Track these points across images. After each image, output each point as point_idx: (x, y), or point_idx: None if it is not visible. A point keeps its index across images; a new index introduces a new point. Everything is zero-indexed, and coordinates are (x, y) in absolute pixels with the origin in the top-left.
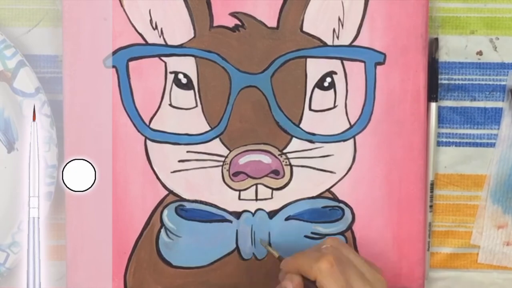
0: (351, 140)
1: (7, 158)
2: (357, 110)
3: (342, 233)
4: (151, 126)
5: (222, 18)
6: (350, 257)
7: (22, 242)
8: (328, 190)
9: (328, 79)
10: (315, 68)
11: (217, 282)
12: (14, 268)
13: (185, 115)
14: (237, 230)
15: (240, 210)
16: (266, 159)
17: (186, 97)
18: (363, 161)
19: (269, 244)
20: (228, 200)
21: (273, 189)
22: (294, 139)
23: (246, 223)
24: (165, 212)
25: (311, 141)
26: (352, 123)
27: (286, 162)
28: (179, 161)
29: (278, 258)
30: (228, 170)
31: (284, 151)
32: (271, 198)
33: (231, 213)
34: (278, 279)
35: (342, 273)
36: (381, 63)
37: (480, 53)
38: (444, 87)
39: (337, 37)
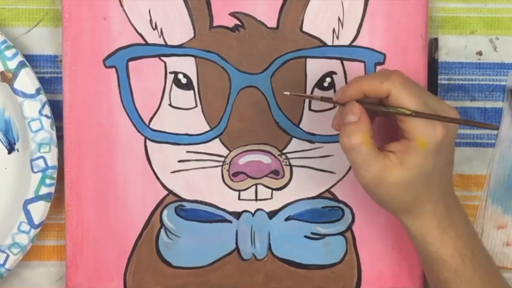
0: None
1: (8, 159)
2: None
3: (342, 233)
4: (151, 126)
5: (222, 18)
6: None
7: (22, 243)
8: (328, 190)
9: (328, 79)
10: (315, 68)
11: (217, 282)
12: (14, 269)
13: (185, 115)
14: (237, 230)
15: (240, 210)
16: (266, 159)
17: (186, 97)
18: None
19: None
20: (228, 200)
21: (273, 189)
22: (294, 139)
23: (246, 223)
24: (165, 212)
25: (311, 141)
26: None
27: (286, 162)
28: (179, 161)
29: (322, 99)
30: (228, 170)
31: (284, 151)
32: (271, 198)
33: (231, 213)
34: (277, 278)
35: (414, 84)
36: (381, 63)
37: (480, 53)
38: (444, 87)
39: (337, 37)
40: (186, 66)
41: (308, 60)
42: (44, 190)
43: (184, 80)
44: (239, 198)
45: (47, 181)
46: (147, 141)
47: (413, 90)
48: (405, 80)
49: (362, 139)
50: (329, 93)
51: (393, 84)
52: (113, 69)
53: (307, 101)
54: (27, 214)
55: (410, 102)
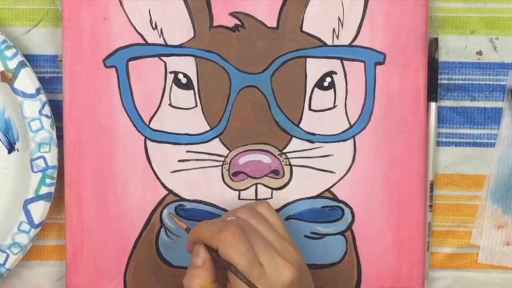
0: (351, 140)
1: (8, 159)
2: (357, 110)
3: (342, 233)
4: (151, 126)
5: (222, 18)
6: (258, 227)
7: (22, 243)
8: (328, 190)
9: (328, 79)
10: (315, 68)
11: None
12: (14, 269)
13: (185, 115)
14: None
15: None
16: (266, 159)
17: (186, 97)
18: (363, 161)
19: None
20: (228, 200)
21: (273, 189)
22: (294, 139)
23: None
24: (165, 212)
25: (311, 141)
26: (352, 123)
27: (286, 162)
28: (179, 161)
29: (186, 230)
30: (228, 170)
31: (284, 151)
32: (271, 198)
33: None
34: None
35: (244, 243)
36: (381, 63)
37: (480, 53)
38: (444, 87)
39: (337, 37)
40: (186, 66)
41: (308, 60)
42: (44, 190)
43: (184, 80)
44: (239, 198)
45: (47, 181)
46: (147, 141)
47: (240, 249)
48: (235, 238)
49: (202, 285)
50: (329, 93)
51: (220, 241)
52: (113, 69)
53: (307, 101)
54: (27, 214)
55: (236, 259)
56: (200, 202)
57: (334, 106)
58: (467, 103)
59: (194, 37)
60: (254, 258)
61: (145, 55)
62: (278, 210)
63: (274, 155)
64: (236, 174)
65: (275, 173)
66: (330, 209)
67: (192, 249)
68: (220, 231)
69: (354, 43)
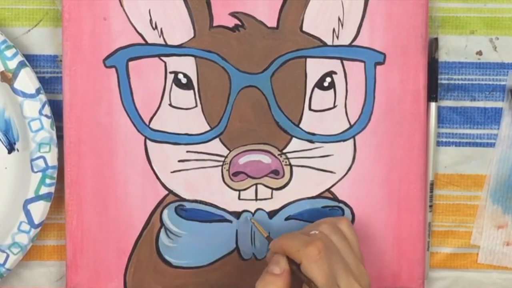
0: (351, 140)
1: (8, 159)
2: (357, 110)
3: None
4: (151, 126)
5: (222, 18)
6: (339, 245)
7: (22, 243)
8: (328, 190)
9: (328, 79)
10: (315, 68)
11: (217, 282)
12: (14, 269)
13: (185, 115)
14: (237, 230)
15: (240, 210)
16: (266, 159)
17: (186, 97)
18: (363, 161)
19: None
20: (228, 200)
21: (273, 189)
22: (294, 139)
23: (246, 223)
24: (165, 212)
25: (311, 141)
26: (352, 123)
27: (286, 162)
28: (179, 161)
29: (267, 238)
30: (228, 170)
31: (284, 151)
32: (271, 198)
33: (231, 213)
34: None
35: (327, 261)
36: (381, 63)
37: (480, 53)
38: (444, 87)
39: (337, 37)
40: (186, 66)
41: (308, 60)
42: (44, 190)
43: (184, 80)
44: (239, 198)
45: (47, 181)
46: (147, 141)
47: (323, 267)
48: (320, 254)
49: None
50: (329, 93)
51: (305, 256)
52: (113, 69)
53: (307, 101)
54: (27, 214)
55: (316, 278)
56: (200, 202)
57: (334, 106)
58: (467, 103)
59: (194, 37)
60: (334, 279)
61: (145, 55)
62: (278, 210)
63: (274, 155)
64: (236, 174)
65: (275, 173)
66: (330, 209)
67: (270, 258)
68: (306, 245)
69: (354, 43)
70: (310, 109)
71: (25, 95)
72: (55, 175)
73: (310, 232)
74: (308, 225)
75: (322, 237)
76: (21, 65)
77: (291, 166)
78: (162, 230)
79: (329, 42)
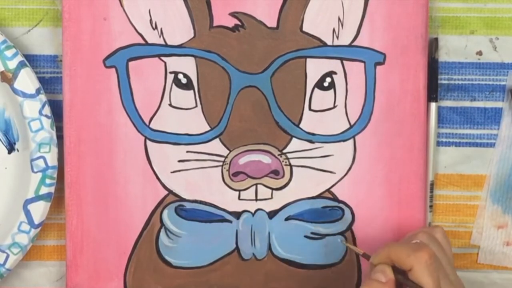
0: (351, 140)
1: (8, 159)
2: (357, 110)
3: (342, 233)
4: (151, 126)
5: (222, 18)
6: (438, 255)
7: (22, 243)
8: (328, 190)
9: (328, 79)
10: (315, 68)
11: (217, 282)
12: (14, 269)
13: (185, 115)
14: (237, 230)
15: (240, 210)
16: (266, 159)
17: (186, 97)
18: (363, 161)
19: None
20: (228, 200)
21: (273, 189)
22: (294, 139)
23: (246, 223)
24: (165, 212)
25: (311, 141)
26: (352, 123)
27: (286, 162)
28: (179, 161)
29: (364, 255)
30: (228, 170)
31: (284, 151)
32: (271, 198)
33: (231, 213)
34: (277, 278)
35: (437, 268)
36: (381, 63)
37: (480, 53)
38: (444, 87)
39: (337, 37)
40: (186, 66)
41: (308, 60)
42: (44, 190)
43: (184, 80)
44: (239, 198)
45: (47, 181)
46: (147, 141)
47: (434, 273)
48: (431, 260)
49: None
50: (329, 93)
51: (417, 261)
52: (113, 69)
53: (307, 101)
54: (27, 214)
55: (427, 284)
56: (200, 202)
57: (334, 106)
58: (467, 103)
59: (194, 37)
60: (440, 286)
61: (145, 55)
62: (278, 211)
63: (274, 155)
64: (236, 174)
65: (275, 173)
66: (330, 209)
67: (368, 272)
68: (416, 251)
69: (354, 43)
70: (310, 109)
71: (25, 95)
72: (55, 175)
73: (411, 242)
74: (405, 237)
75: (429, 244)
76: (21, 65)
77: (291, 166)
78: (162, 230)
79: (329, 42)
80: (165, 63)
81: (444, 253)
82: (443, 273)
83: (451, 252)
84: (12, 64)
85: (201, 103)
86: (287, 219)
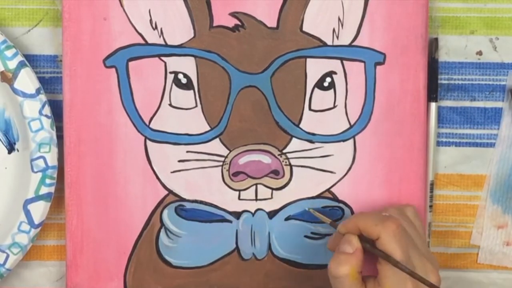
0: (351, 140)
1: (8, 159)
2: (357, 110)
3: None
4: (151, 126)
5: (222, 18)
6: (408, 229)
7: (22, 243)
8: (328, 190)
9: (328, 79)
10: (315, 68)
11: (217, 282)
12: (14, 269)
13: (185, 115)
14: (237, 230)
15: (240, 210)
16: (266, 159)
17: (186, 97)
18: (363, 161)
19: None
20: (228, 200)
21: (273, 189)
22: (294, 139)
23: (246, 223)
24: (165, 212)
25: (311, 141)
26: (352, 123)
27: (286, 162)
28: (179, 161)
29: (331, 224)
30: (228, 170)
31: (284, 151)
32: (271, 198)
33: (231, 213)
34: (277, 278)
35: (405, 237)
36: (381, 63)
37: (480, 53)
38: (444, 87)
39: (337, 37)
40: (186, 66)
41: (308, 60)
42: (44, 190)
43: (184, 80)
44: (239, 198)
45: (47, 181)
46: (147, 141)
47: (401, 242)
48: (398, 229)
49: (349, 271)
50: (329, 93)
51: (384, 230)
52: (113, 69)
53: (307, 101)
54: (27, 214)
55: (395, 252)
56: (200, 202)
57: (334, 106)
58: (467, 103)
59: (194, 37)
60: (408, 256)
61: (145, 55)
62: (278, 211)
63: (274, 155)
64: (236, 174)
65: (275, 173)
66: (330, 209)
67: (333, 245)
68: (383, 221)
69: (354, 43)
70: (310, 109)
71: (25, 95)
72: (55, 175)
73: (381, 214)
74: (376, 210)
75: (395, 217)
76: (21, 65)
77: (291, 166)
78: (162, 230)
79: (329, 42)
80: (165, 63)
81: (414, 228)
82: (412, 244)
83: (423, 230)
84: (12, 64)
85: (201, 103)
86: (287, 219)
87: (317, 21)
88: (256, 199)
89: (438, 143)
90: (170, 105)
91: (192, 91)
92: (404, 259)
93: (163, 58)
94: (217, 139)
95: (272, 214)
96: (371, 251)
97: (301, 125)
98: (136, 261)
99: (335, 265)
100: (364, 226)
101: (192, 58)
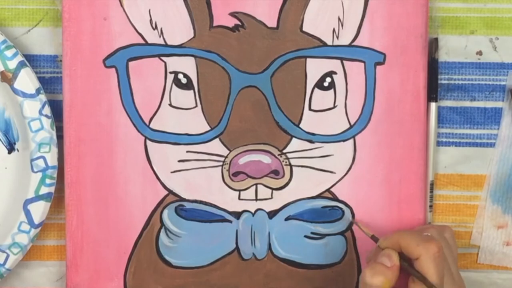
0: (351, 140)
1: (8, 159)
2: (357, 110)
3: (342, 233)
4: (151, 126)
5: (222, 18)
6: (446, 252)
7: (22, 243)
8: (328, 190)
9: (328, 79)
10: (315, 68)
11: (217, 282)
12: (14, 269)
13: (185, 115)
14: (237, 230)
15: (240, 210)
16: (266, 159)
17: (186, 97)
18: (363, 161)
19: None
20: (228, 200)
21: (273, 189)
22: (294, 139)
23: (246, 223)
24: (165, 212)
25: (311, 141)
26: (352, 123)
27: (286, 162)
28: (179, 161)
29: (372, 238)
30: (228, 170)
31: (284, 151)
32: (271, 198)
33: (231, 213)
34: (277, 278)
35: (444, 261)
36: (381, 63)
37: (480, 53)
38: (444, 87)
39: (337, 37)
40: (186, 66)
41: (308, 60)
42: (44, 190)
43: (184, 80)
44: (239, 198)
45: (47, 181)
46: (147, 141)
47: (439, 266)
48: (439, 253)
49: (383, 282)
50: (329, 93)
51: (426, 251)
52: (113, 69)
53: (307, 101)
54: (27, 214)
55: (432, 275)
56: (200, 202)
57: (334, 106)
58: (467, 103)
59: (194, 37)
60: (443, 280)
61: (145, 55)
62: (278, 211)
63: (274, 155)
64: (236, 174)
65: (275, 173)
66: (330, 209)
67: (373, 259)
68: (426, 241)
69: (354, 43)
70: (310, 109)
71: (25, 95)
72: (55, 175)
73: (422, 233)
74: (415, 229)
75: (439, 239)
76: (21, 65)
77: (291, 166)
78: (162, 230)
79: (329, 42)
80: (165, 63)
81: (451, 251)
82: (447, 269)
83: (457, 253)
84: (12, 64)
85: (201, 103)
86: (287, 219)
87: (317, 21)
88: (256, 199)
89: (438, 143)
90: (170, 105)
91: (192, 91)
92: (439, 283)
93: (163, 58)
94: (217, 139)
95: (272, 214)
96: (408, 271)
97: (301, 125)
98: (136, 261)
99: (370, 274)
100: (406, 245)
101: (192, 58)
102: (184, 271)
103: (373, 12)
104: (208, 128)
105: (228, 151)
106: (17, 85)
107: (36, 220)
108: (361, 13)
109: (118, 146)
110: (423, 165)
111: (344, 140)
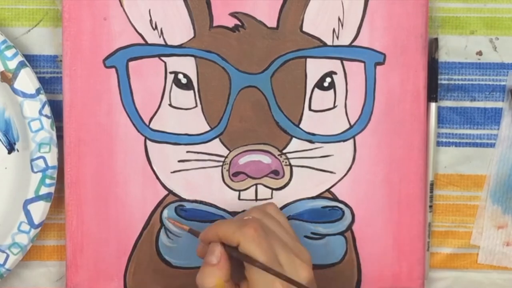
0: (351, 140)
1: (8, 159)
2: (357, 110)
3: (342, 233)
4: (151, 126)
5: (222, 18)
6: (272, 227)
7: (22, 243)
8: (328, 190)
9: (328, 79)
10: (315, 68)
11: None
12: (14, 269)
13: (185, 115)
14: None
15: (240, 210)
16: (266, 159)
17: (186, 97)
18: (363, 161)
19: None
20: (228, 200)
21: (273, 189)
22: (294, 139)
23: None
24: (165, 212)
25: (311, 141)
26: (352, 123)
27: (286, 162)
28: (179, 161)
29: (189, 231)
30: (228, 170)
31: (284, 151)
32: (271, 198)
33: (231, 213)
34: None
35: (265, 239)
36: (381, 63)
37: (480, 53)
38: (444, 87)
39: (337, 37)
40: (186, 66)
41: (308, 60)
42: (44, 190)
43: (184, 80)
44: (239, 198)
45: (47, 181)
46: (147, 141)
47: (262, 244)
48: (257, 233)
49: (215, 283)
50: (329, 93)
51: (243, 236)
52: (113, 69)
53: (307, 101)
54: (27, 214)
55: (258, 254)
56: (200, 202)
57: (334, 106)
58: (467, 103)
59: (194, 37)
60: (274, 255)
61: (145, 55)
62: None
63: (274, 156)
64: (236, 174)
65: (275, 173)
66: (330, 209)
67: (202, 252)
68: (241, 227)
69: (354, 43)
70: (310, 109)
71: (25, 95)
72: (55, 175)
73: (242, 218)
74: (238, 214)
75: (255, 220)
76: (21, 65)
77: (291, 166)
78: (162, 230)
79: (329, 42)
80: (165, 63)
81: (278, 224)
82: (278, 242)
83: (287, 224)
84: (12, 64)
85: (201, 103)
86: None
87: (317, 21)
88: (256, 199)
89: (438, 143)
90: (170, 105)
91: (192, 91)
92: (269, 260)
93: (163, 58)
94: (217, 139)
95: None
96: (236, 256)
97: (301, 125)
98: (136, 261)
99: (200, 278)
100: (223, 235)
101: (192, 58)
102: (184, 271)
103: (373, 12)
104: (208, 128)
105: (228, 151)
106: (17, 85)
107: (36, 220)
108: (361, 13)
109: (118, 146)
110: (423, 165)
111: (344, 140)
